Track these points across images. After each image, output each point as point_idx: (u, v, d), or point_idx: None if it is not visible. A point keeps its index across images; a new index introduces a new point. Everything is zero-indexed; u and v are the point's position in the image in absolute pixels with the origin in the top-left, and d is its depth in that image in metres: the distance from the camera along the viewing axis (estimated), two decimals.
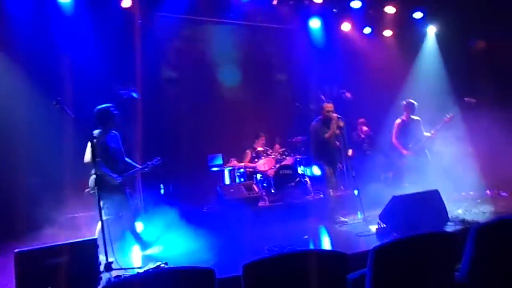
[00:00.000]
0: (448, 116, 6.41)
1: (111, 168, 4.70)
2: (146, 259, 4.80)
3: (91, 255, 3.62)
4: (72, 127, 4.76)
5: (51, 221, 5.31)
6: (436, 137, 6.53)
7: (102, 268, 3.87)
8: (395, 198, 4.78)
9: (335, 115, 5.94)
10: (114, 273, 3.97)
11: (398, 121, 6.80)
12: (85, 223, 5.29)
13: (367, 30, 9.29)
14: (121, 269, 4.07)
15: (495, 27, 7.87)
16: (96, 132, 4.69)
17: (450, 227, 4.67)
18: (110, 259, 3.98)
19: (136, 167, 4.97)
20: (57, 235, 4.99)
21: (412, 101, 6.71)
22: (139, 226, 5.78)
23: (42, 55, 6.13)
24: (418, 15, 9.01)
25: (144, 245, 5.10)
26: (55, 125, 5.31)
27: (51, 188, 5.63)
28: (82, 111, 4.90)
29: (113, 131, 4.95)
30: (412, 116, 6.69)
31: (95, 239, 3.75)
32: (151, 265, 4.19)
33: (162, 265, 4.09)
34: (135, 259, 4.86)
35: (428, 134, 6.59)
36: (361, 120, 8.56)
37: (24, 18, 6.10)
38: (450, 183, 6.13)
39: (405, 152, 6.68)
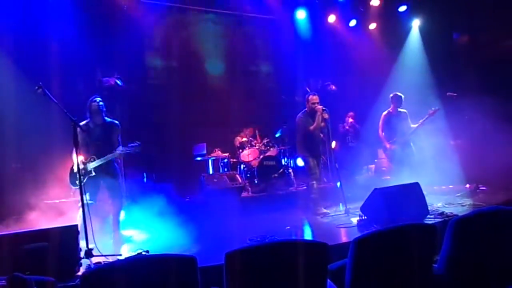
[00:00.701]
0: (433, 109, 6.49)
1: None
2: (127, 246, 4.78)
3: (71, 241, 3.58)
4: (55, 112, 4.65)
5: (32, 206, 5.22)
6: (420, 130, 6.62)
7: (82, 254, 3.84)
8: (376, 191, 4.84)
9: (320, 107, 5.95)
10: (94, 260, 3.93)
11: (384, 113, 6.85)
12: (66, 209, 5.21)
13: (353, 23, 9.32)
14: (102, 255, 4.03)
15: (478, 21, 7.99)
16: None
17: (429, 220, 4.76)
18: (90, 246, 3.94)
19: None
20: (38, 221, 4.92)
21: (399, 93, 6.76)
22: (121, 214, 5.75)
23: (25, 40, 5.96)
24: (402, 8, 9.08)
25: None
26: (37, 110, 5.19)
27: (32, 174, 5.53)
28: (65, 97, 4.81)
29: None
30: (399, 109, 6.76)
31: (76, 225, 3.70)
32: (132, 253, 4.16)
33: (143, 253, 4.07)
34: (116, 246, 4.82)
35: (414, 126, 6.66)
36: (350, 113, 8.63)
37: (6, 1, 5.92)
38: (431, 176, 6.25)
39: (388, 145, 6.77)
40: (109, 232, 4.96)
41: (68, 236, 3.55)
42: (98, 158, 4.82)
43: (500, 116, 6.29)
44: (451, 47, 8.70)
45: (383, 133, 6.84)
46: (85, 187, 4.40)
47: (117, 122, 5.14)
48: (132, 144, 4.86)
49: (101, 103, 5.00)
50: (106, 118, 5.08)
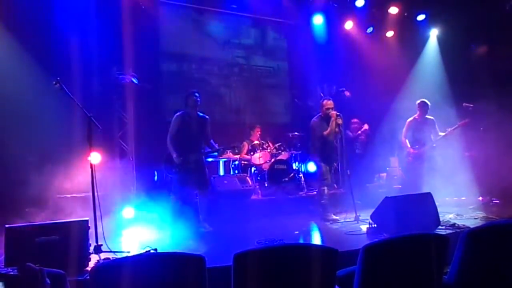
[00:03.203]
0: (464, 121, 6.40)
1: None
2: (136, 243, 4.82)
3: (81, 236, 3.61)
4: (71, 107, 4.71)
5: (46, 200, 5.30)
6: (448, 138, 6.52)
7: (91, 249, 3.88)
8: (387, 199, 4.80)
9: (334, 112, 5.92)
10: (103, 255, 3.97)
11: (410, 119, 6.75)
12: (78, 204, 5.27)
13: (370, 30, 9.27)
14: (111, 251, 4.07)
15: (497, 32, 7.89)
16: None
17: (440, 231, 4.69)
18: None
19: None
20: (50, 215, 4.99)
21: (426, 100, 6.67)
22: (130, 212, 5.80)
23: (43, 35, 6.05)
24: (421, 17, 9.01)
25: None
26: (54, 105, 5.27)
27: (47, 168, 5.60)
28: (82, 93, 4.89)
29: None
30: (427, 116, 6.67)
31: (87, 221, 3.74)
32: (141, 250, 4.19)
33: (152, 251, 4.08)
34: (125, 243, 4.86)
35: (442, 134, 6.57)
36: (355, 120, 8.53)
37: None
38: (444, 187, 6.16)
39: (411, 150, 6.65)
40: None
41: (78, 231, 3.58)
42: (192, 150, 5.29)
43: None
44: (468, 57, 8.59)
45: (406, 139, 6.73)
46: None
47: (207, 116, 5.59)
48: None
49: (199, 98, 5.43)
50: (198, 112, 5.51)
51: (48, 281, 1.72)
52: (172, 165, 5.35)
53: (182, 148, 5.31)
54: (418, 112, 6.69)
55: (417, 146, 6.60)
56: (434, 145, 6.55)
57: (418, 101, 6.72)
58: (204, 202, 5.52)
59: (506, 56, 7.91)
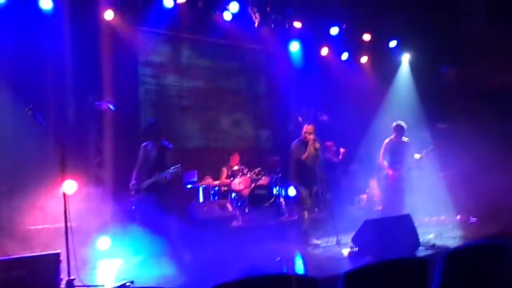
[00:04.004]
0: (438, 143, 6.53)
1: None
2: (112, 276, 4.63)
3: (52, 270, 3.44)
4: (43, 135, 4.61)
5: (15, 232, 5.07)
6: (423, 160, 6.62)
7: (63, 284, 3.70)
8: (367, 222, 4.80)
9: (311, 136, 5.98)
10: None
11: (386, 140, 6.83)
12: (50, 236, 5.06)
13: (345, 56, 9.51)
14: (84, 286, 3.89)
15: (465, 56, 8.22)
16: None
17: (421, 252, 4.71)
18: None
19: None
20: (19, 248, 4.76)
21: (401, 123, 6.79)
22: (106, 242, 5.61)
23: (19, 61, 5.95)
24: (393, 43, 9.33)
25: None
26: (26, 132, 5.14)
27: (17, 198, 5.40)
28: (56, 120, 4.79)
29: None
30: (403, 138, 6.77)
31: (58, 254, 3.58)
32: (116, 283, 4.02)
33: (128, 284, 3.93)
34: (99, 276, 4.67)
35: (417, 156, 6.66)
36: (329, 143, 8.58)
37: (2, 22, 5.95)
38: (423, 207, 6.23)
39: (390, 172, 6.71)
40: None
41: (49, 264, 3.42)
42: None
43: (489, 147, 6.37)
44: (439, 80, 8.90)
45: (385, 161, 6.80)
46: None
47: (171, 145, 5.65)
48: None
49: (158, 127, 5.59)
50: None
51: None
52: (130, 195, 5.43)
53: (146, 178, 5.38)
54: (394, 134, 6.81)
55: (398, 166, 6.67)
56: (410, 169, 6.64)
57: (394, 124, 6.84)
58: (174, 229, 5.37)
59: (474, 77, 8.23)
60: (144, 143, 5.55)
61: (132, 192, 5.39)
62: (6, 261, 3.39)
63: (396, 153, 6.69)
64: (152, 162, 5.42)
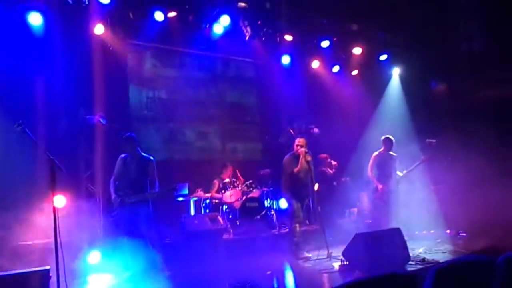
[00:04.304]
0: (424, 157, 6.61)
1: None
2: None
3: (42, 286, 3.40)
4: (34, 150, 4.58)
5: (3, 249, 5.00)
6: (409, 175, 6.70)
7: None
8: (358, 236, 4.83)
9: (303, 150, 6.03)
10: None
11: (375, 154, 6.91)
12: (39, 251, 5.01)
13: (336, 69, 9.62)
14: None
15: (454, 70, 8.36)
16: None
17: (411, 266, 4.73)
18: None
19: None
20: (9, 265, 4.70)
21: (390, 137, 6.88)
22: (96, 256, 5.56)
23: (8, 76, 5.93)
24: (383, 57, 9.46)
25: None
26: (16, 148, 5.10)
27: (6, 213, 5.33)
28: (46, 135, 4.76)
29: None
30: (390, 152, 6.84)
31: (48, 270, 3.54)
32: None
33: None
34: None
35: (400, 174, 6.73)
36: (324, 155, 8.65)
37: None
38: (412, 221, 6.27)
39: (380, 186, 6.76)
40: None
41: (38, 281, 3.38)
42: (133, 192, 5.25)
43: (479, 161, 6.45)
44: (429, 95, 9.03)
45: (372, 174, 6.85)
46: None
47: (152, 158, 5.56)
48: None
49: (133, 140, 5.49)
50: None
51: None
52: (112, 208, 5.34)
53: (123, 190, 5.29)
54: (383, 147, 6.89)
55: (386, 179, 6.72)
56: (399, 186, 6.71)
57: (383, 137, 6.93)
58: (152, 241, 5.29)
59: (463, 92, 8.37)
60: (123, 156, 5.46)
61: (115, 206, 5.28)
62: None
63: (385, 166, 6.77)
64: (134, 175, 5.32)
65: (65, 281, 4.00)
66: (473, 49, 8.12)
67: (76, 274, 4.90)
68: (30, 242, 5.15)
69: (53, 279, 3.73)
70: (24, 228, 5.13)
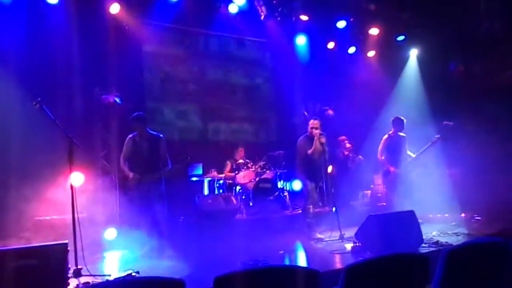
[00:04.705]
0: (436, 138, 6.50)
1: None
2: (118, 266, 4.72)
3: (60, 259, 3.51)
4: (52, 128, 4.66)
5: (24, 223, 5.16)
6: (422, 157, 6.62)
7: (71, 273, 3.78)
8: (370, 217, 4.82)
9: (317, 131, 6.00)
10: (82, 279, 3.88)
11: (385, 137, 6.81)
12: (58, 226, 5.16)
13: (352, 50, 9.46)
14: (91, 275, 3.97)
15: (473, 53, 8.14)
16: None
17: (424, 249, 4.72)
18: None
19: None
20: (28, 238, 4.86)
21: (401, 117, 6.76)
22: (112, 232, 5.70)
23: (26, 55, 6.00)
24: (400, 38, 9.25)
25: None
26: (34, 126, 5.20)
27: (26, 189, 5.48)
28: (63, 113, 4.84)
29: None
30: (400, 133, 6.75)
31: (66, 244, 3.64)
32: (122, 273, 4.10)
33: (134, 274, 4.01)
34: (106, 266, 4.76)
35: (413, 155, 6.65)
36: (342, 137, 8.63)
37: (8, 15, 6.00)
38: (426, 204, 6.23)
39: (392, 169, 6.71)
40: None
41: (57, 254, 3.49)
42: (146, 170, 5.26)
43: (495, 145, 6.33)
44: (447, 77, 8.83)
45: (383, 157, 6.79)
46: None
47: (161, 135, 5.55)
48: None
49: (143, 120, 5.45)
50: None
51: None
52: (128, 187, 5.38)
53: (136, 170, 5.30)
54: (392, 129, 6.78)
55: (398, 161, 6.66)
56: (410, 167, 6.62)
57: (392, 118, 6.81)
58: (161, 221, 5.34)
59: (483, 74, 8.16)
60: (131, 135, 5.46)
61: (131, 184, 5.32)
62: (16, 250, 3.46)
63: (395, 148, 6.68)
64: (146, 154, 5.33)
65: (83, 256, 4.13)
66: (494, 30, 7.85)
67: (93, 250, 5.03)
68: (48, 217, 5.30)
69: (71, 254, 3.85)
70: (43, 204, 5.27)
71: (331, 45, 9.31)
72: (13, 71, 5.84)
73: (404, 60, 9.47)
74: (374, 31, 9.09)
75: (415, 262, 2.36)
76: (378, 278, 2.21)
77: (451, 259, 2.36)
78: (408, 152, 6.70)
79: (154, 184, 5.28)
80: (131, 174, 5.29)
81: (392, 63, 9.49)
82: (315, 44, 9.27)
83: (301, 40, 9.16)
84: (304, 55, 9.24)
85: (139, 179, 5.24)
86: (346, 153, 8.47)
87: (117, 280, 3.62)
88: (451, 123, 6.74)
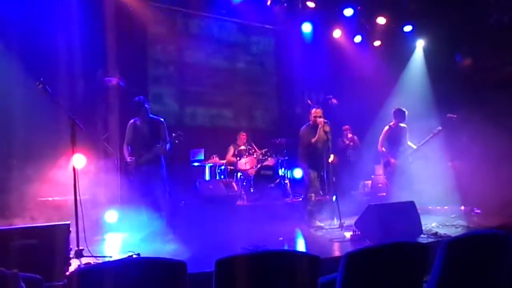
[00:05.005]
0: (437, 130, 6.48)
1: None
2: (119, 248, 4.76)
3: (62, 240, 3.54)
4: (54, 109, 4.66)
5: (25, 203, 5.20)
6: (423, 149, 6.61)
7: (72, 254, 3.82)
8: (370, 207, 4.84)
9: (321, 120, 5.98)
10: (84, 260, 3.91)
11: (386, 128, 6.79)
12: (60, 207, 5.19)
13: (358, 39, 9.37)
14: (92, 256, 4.01)
15: (481, 45, 8.05)
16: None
17: (422, 240, 4.74)
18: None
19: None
20: (31, 219, 4.90)
21: (402, 108, 6.74)
22: (113, 215, 5.74)
23: (29, 36, 5.97)
24: (407, 28, 9.15)
25: None
26: (37, 106, 5.20)
27: (28, 170, 5.51)
28: (65, 95, 4.83)
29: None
30: (400, 124, 6.73)
31: (68, 224, 3.67)
32: (123, 255, 4.14)
33: (134, 256, 4.04)
34: (107, 248, 4.80)
35: (414, 146, 6.64)
36: (346, 127, 8.62)
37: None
38: (426, 196, 6.24)
39: (392, 160, 6.71)
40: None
41: (59, 235, 3.51)
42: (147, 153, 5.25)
43: (499, 140, 6.30)
44: (453, 69, 8.75)
45: (384, 148, 6.78)
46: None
47: (162, 119, 5.54)
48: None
49: (146, 105, 5.46)
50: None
51: (23, 286, 1.68)
52: (129, 172, 5.38)
53: (137, 153, 5.32)
54: (393, 121, 6.76)
55: (398, 153, 6.66)
56: (410, 159, 6.61)
57: (394, 109, 6.78)
58: (162, 204, 5.38)
59: (490, 67, 8.08)
60: (132, 120, 5.47)
61: (131, 168, 5.34)
62: (18, 230, 3.48)
63: (396, 139, 6.66)
64: (147, 138, 5.34)
65: (84, 237, 4.16)
66: (502, 22, 7.74)
67: (95, 231, 5.07)
68: (51, 198, 5.33)
69: (73, 235, 3.88)
70: (45, 185, 5.30)
71: (337, 33, 9.22)
72: (16, 52, 5.83)
73: (410, 51, 9.38)
74: (381, 20, 9.00)
75: (414, 251, 2.37)
76: (377, 266, 2.22)
77: (451, 249, 2.38)
78: (410, 143, 6.68)
79: (154, 168, 5.28)
80: (128, 158, 5.32)
81: (398, 53, 9.41)
82: (321, 32, 9.18)
83: (307, 28, 9.07)
84: (310, 42, 9.15)
85: (137, 161, 5.25)
86: (347, 142, 8.46)
87: (117, 261, 3.64)
88: (455, 115, 6.70)
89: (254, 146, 8.09)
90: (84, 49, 6.38)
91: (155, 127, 5.39)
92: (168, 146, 5.30)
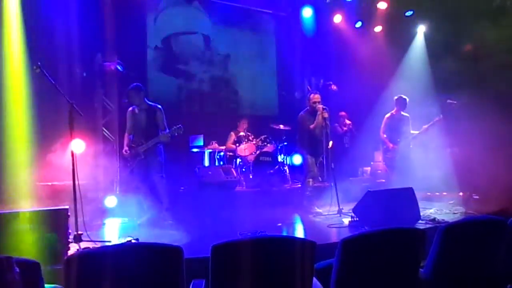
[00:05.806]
0: (438, 118, 6.48)
1: None
2: (118, 233, 4.79)
3: (61, 224, 3.55)
4: (52, 94, 4.62)
5: (23, 188, 5.20)
6: (422, 136, 6.62)
7: (71, 239, 3.84)
8: (369, 193, 4.84)
9: (320, 106, 5.95)
10: (83, 245, 3.94)
11: (387, 115, 6.84)
12: (59, 192, 5.20)
13: (358, 24, 9.27)
14: (90, 241, 4.04)
15: (483, 31, 7.95)
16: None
17: (420, 225, 4.77)
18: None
19: None
20: (29, 203, 4.91)
21: (404, 96, 6.75)
22: (112, 201, 5.75)
23: (25, 20, 5.88)
24: (409, 13, 9.04)
25: None
26: (35, 91, 5.17)
27: (27, 155, 5.50)
28: (64, 79, 4.79)
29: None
30: (402, 113, 6.74)
31: (66, 209, 3.68)
32: (122, 240, 4.16)
33: (133, 241, 4.06)
34: (106, 233, 4.83)
35: (415, 132, 6.65)
36: (342, 113, 8.59)
37: None
38: (425, 182, 6.25)
39: (391, 146, 6.73)
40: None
41: (57, 219, 3.53)
42: (145, 140, 5.23)
43: (498, 126, 6.27)
44: (454, 55, 8.66)
45: (385, 135, 6.81)
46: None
47: (159, 106, 5.45)
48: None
49: (141, 91, 5.39)
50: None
51: (17, 270, 1.68)
52: (125, 159, 5.39)
53: (136, 142, 5.32)
54: (395, 108, 6.78)
55: (398, 140, 6.68)
56: (411, 145, 6.62)
57: (396, 97, 6.81)
58: (161, 190, 5.38)
59: (492, 54, 7.98)
60: (130, 108, 5.43)
61: (127, 158, 5.33)
62: (17, 214, 3.47)
63: (397, 127, 6.69)
64: (144, 125, 5.31)
65: (83, 222, 4.18)
66: (506, 6, 7.64)
67: (93, 216, 5.08)
68: (50, 183, 5.34)
69: (72, 219, 3.90)
70: (44, 169, 5.30)
71: (337, 18, 9.12)
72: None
73: (411, 37, 9.28)
74: (382, 5, 8.88)
75: (411, 236, 2.38)
76: (373, 251, 2.23)
77: (448, 235, 2.39)
78: (412, 132, 6.69)
79: (152, 156, 5.27)
80: (124, 150, 5.34)
81: (399, 39, 9.29)
82: (321, 17, 9.08)
83: (307, 12, 8.96)
84: (310, 28, 9.06)
85: (137, 150, 5.24)
86: (345, 129, 8.46)
87: (115, 245, 3.66)
88: (455, 102, 6.67)
89: (251, 135, 8.07)
90: (83, 34, 6.31)
91: (152, 114, 5.35)
92: (168, 137, 5.27)
